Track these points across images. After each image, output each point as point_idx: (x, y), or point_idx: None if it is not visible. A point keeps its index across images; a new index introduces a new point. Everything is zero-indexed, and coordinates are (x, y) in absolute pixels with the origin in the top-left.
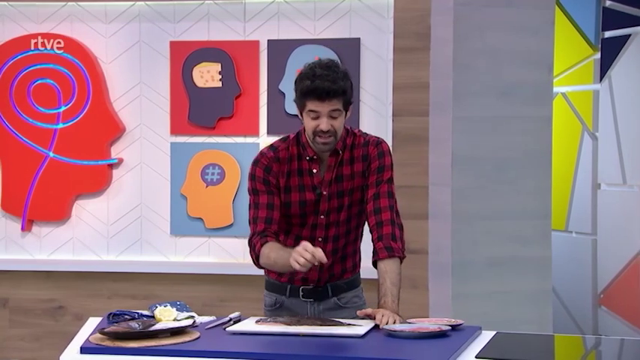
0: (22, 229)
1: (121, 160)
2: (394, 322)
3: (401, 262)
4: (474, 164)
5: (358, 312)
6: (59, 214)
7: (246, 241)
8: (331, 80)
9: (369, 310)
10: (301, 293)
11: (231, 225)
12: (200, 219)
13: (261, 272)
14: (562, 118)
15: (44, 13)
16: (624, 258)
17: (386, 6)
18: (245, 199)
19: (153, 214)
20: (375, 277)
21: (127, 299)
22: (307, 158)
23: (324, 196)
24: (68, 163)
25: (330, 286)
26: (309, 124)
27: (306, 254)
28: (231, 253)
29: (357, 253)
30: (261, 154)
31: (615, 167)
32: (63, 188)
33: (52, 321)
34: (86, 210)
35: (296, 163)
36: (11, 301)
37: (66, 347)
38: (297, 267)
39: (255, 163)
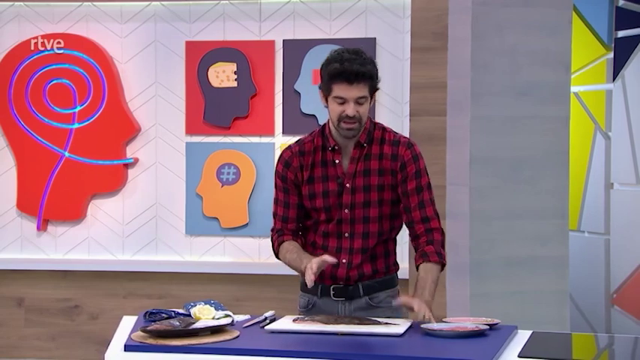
0: (38, 228)
1: (136, 160)
2: (429, 318)
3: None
4: (491, 164)
5: (394, 302)
6: (74, 214)
7: (261, 241)
8: (360, 63)
9: (405, 298)
10: (332, 292)
11: (246, 225)
12: (215, 219)
13: (277, 272)
14: (575, 118)
15: (60, 13)
16: (637, 258)
17: (402, 6)
18: (260, 198)
19: (168, 213)
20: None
21: (142, 299)
22: (329, 148)
23: (346, 189)
24: (84, 163)
25: (361, 285)
26: (335, 109)
27: (309, 272)
28: (247, 253)
29: (390, 255)
30: (287, 148)
31: (628, 167)
32: (78, 188)
33: (68, 320)
34: (101, 209)
35: (320, 154)
36: (27, 301)
37: (81, 346)
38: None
39: (279, 157)
